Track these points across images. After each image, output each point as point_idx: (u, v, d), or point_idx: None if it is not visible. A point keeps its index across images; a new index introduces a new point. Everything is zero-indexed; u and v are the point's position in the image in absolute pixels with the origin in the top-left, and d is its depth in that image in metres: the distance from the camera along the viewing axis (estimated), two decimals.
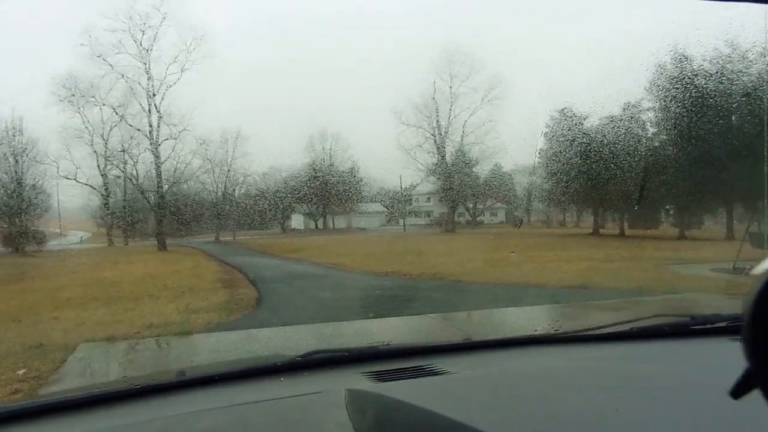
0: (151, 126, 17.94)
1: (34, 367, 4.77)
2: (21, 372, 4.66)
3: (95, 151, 17.98)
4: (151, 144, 18.06)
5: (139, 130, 18.14)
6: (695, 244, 17.03)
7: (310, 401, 1.25)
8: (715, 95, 13.73)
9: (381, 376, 1.43)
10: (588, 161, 14.62)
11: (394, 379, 1.40)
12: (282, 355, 1.58)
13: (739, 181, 14.68)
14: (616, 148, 14.18)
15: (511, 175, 23.92)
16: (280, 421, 1.16)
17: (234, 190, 21.18)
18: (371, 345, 1.67)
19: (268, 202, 20.78)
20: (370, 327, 6.22)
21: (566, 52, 26.59)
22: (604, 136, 14.89)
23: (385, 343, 1.70)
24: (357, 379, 1.42)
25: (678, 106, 13.89)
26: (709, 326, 1.68)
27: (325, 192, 22.27)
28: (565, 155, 14.72)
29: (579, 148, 14.95)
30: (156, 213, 18.21)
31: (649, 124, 17.61)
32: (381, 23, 33.72)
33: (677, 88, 13.65)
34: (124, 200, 18.89)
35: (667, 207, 20.20)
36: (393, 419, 1.09)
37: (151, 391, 1.34)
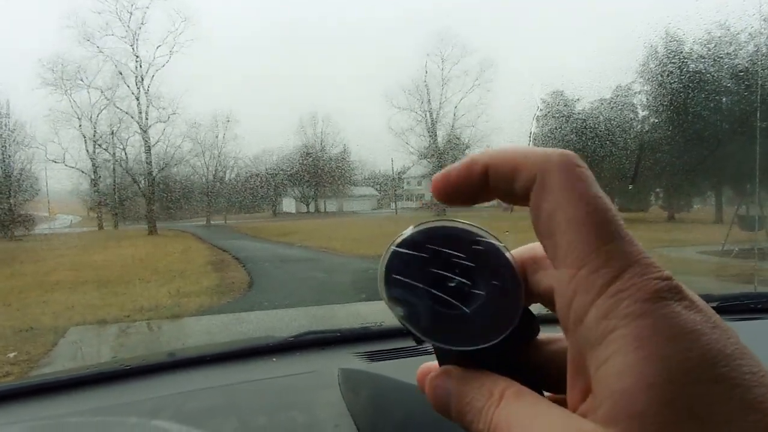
0: (140, 109, 17.70)
1: (24, 351, 4.76)
2: (12, 355, 4.65)
3: (83, 135, 17.68)
4: (140, 127, 17.84)
5: (127, 113, 17.84)
6: (684, 227, 17.15)
7: (303, 381, 1.24)
8: (706, 77, 13.74)
9: (374, 356, 1.42)
10: (579, 144, 14.63)
11: (387, 359, 1.39)
12: (274, 337, 1.57)
13: (728, 164, 14.76)
14: (607, 131, 14.18)
15: None
16: (273, 400, 1.15)
17: (225, 174, 20.98)
18: (363, 325, 1.67)
19: (259, 185, 20.64)
20: (362, 309, 6.23)
21: (558, 33, 26.43)
22: (596, 119, 14.88)
23: (378, 323, 1.69)
24: (349, 360, 1.42)
25: (669, 89, 13.90)
26: None
27: (317, 175, 22.15)
28: (557, 139, 14.70)
29: (571, 132, 14.94)
30: (146, 196, 18.05)
31: (640, 107, 17.62)
32: (373, 4, 33.39)
33: (669, 71, 13.64)
34: (114, 184, 18.68)
35: (657, 190, 20.28)
36: (387, 398, 1.09)
37: (142, 372, 1.33)
